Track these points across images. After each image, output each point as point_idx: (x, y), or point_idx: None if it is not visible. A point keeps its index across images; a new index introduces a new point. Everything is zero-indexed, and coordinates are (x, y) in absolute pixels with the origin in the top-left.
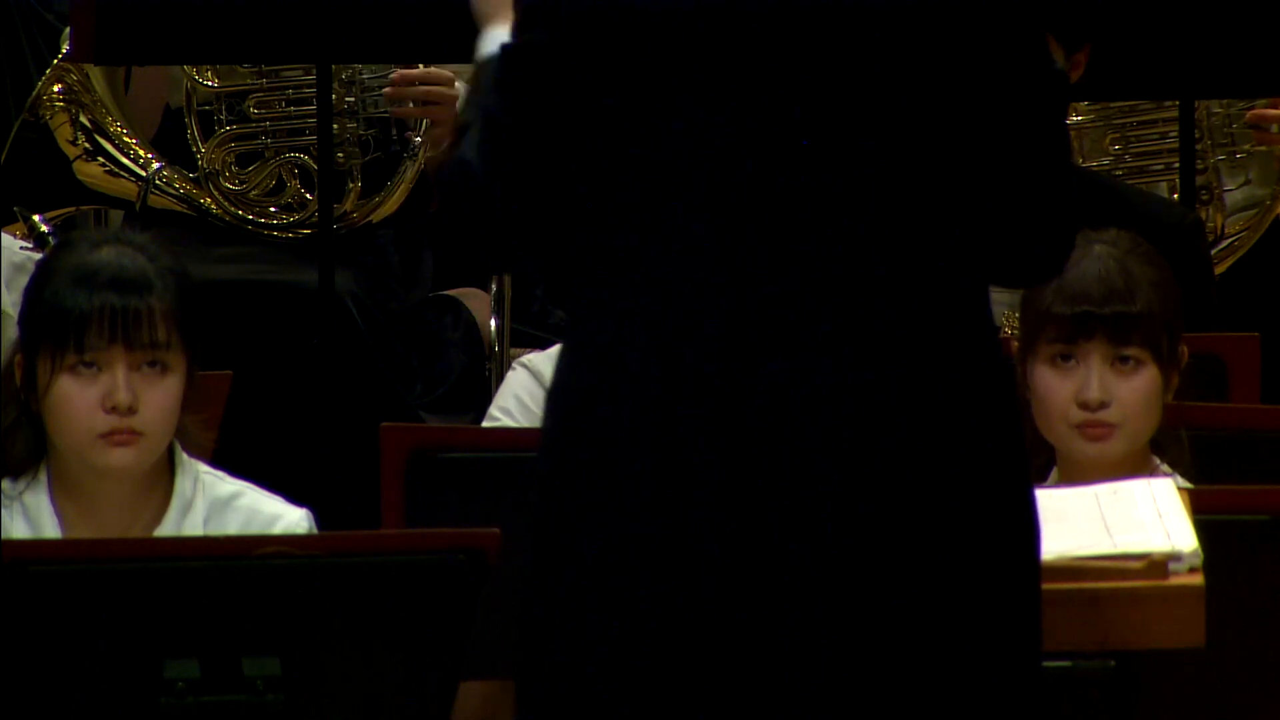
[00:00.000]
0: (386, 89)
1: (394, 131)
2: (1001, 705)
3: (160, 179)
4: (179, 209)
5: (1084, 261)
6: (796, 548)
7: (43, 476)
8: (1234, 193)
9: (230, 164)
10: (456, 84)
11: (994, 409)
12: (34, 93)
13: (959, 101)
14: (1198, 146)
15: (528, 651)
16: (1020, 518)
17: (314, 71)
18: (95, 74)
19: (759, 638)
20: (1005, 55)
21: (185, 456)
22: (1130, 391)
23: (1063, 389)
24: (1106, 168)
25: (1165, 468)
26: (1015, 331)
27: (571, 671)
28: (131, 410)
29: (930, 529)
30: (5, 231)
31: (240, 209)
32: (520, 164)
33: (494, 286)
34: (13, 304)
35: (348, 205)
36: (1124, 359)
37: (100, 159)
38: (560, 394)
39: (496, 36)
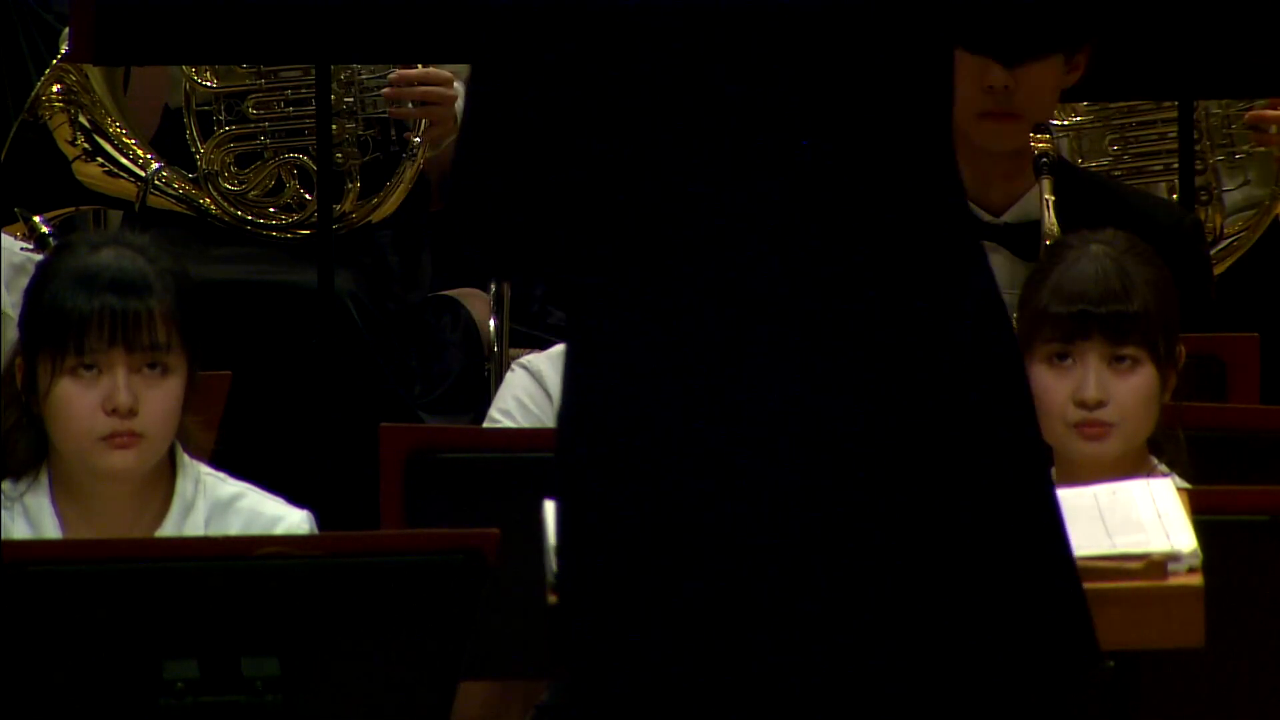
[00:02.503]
0: (385, 89)
1: (393, 132)
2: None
3: (159, 179)
4: (178, 209)
5: (1081, 261)
6: (807, 541)
7: (44, 478)
8: (1233, 193)
9: (229, 164)
10: (455, 84)
11: (1005, 399)
12: (33, 93)
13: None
14: (1197, 147)
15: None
16: (1043, 508)
17: (313, 72)
18: (94, 74)
19: (772, 632)
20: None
21: (186, 458)
22: (1127, 391)
23: (1060, 388)
24: (1106, 168)
25: (1163, 468)
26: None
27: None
28: (132, 412)
29: (945, 521)
30: (5, 232)
31: (239, 209)
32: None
33: (493, 287)
34: (13, 305)
35: (347, 206)
36: (1121, 358)
37: (99, 159)
38: (576, 394)
39: None
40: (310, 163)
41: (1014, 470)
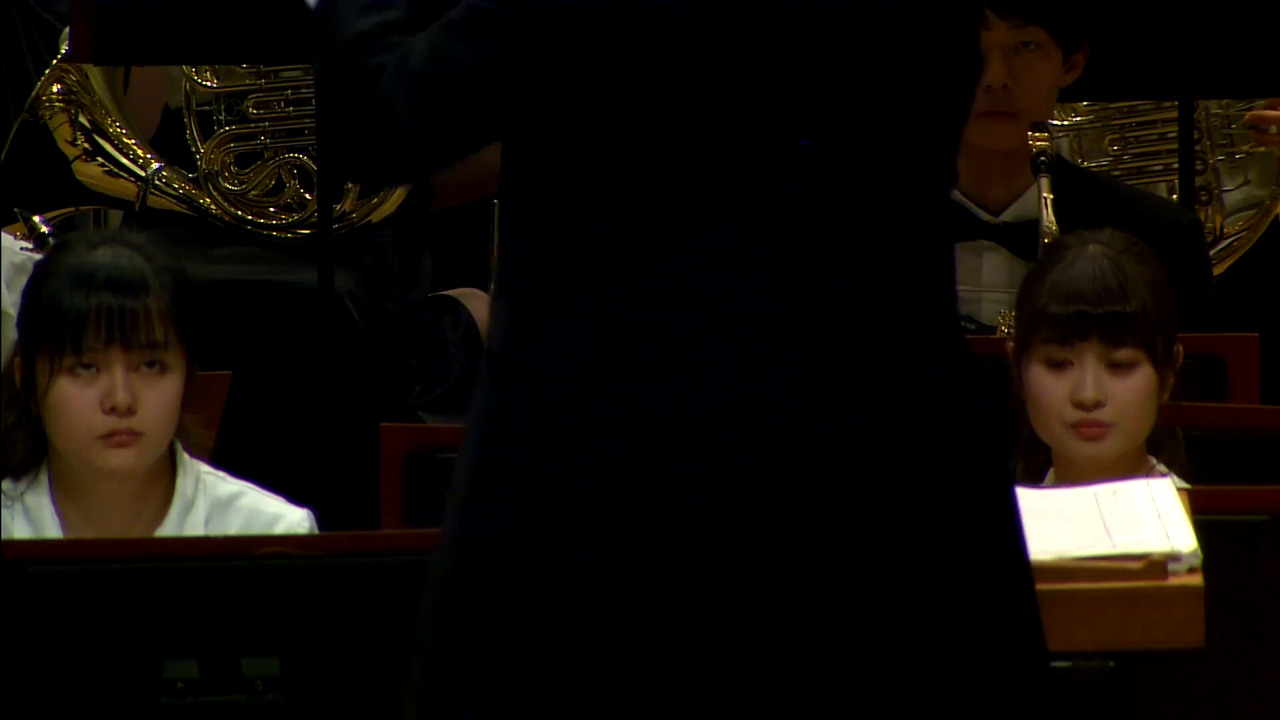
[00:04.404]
0: None
1: None
2: (1010, 707)
3: (159, 179)
4: (178, 209)
5: (1078, 261)
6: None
7: (44, 477)
8: (1233, 193)
9: (229, 164)
10: None
11: (968, 409)
12: (33, 93)
13: (942, 87)
14: (1197, 147)
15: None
16: (1003, 516)
17: (313, 72)
18: (94, 74)
19: (753, 645)
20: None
21: (186, 456)
22: (1125, 391)
23: (1058, 389)
24: (1105, 168)
25: (1161, 467)
26: (1011, 331)
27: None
28: (130, 411)
29: (912, 530)
30: (5, 232)
31: (240, 209)
32: (460, 122)
33: (494, 287)
34: (13, 304)
35: (347, 205)
36: (1119, 359)
37: (99, 159)
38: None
39: None
40: (310, 163)
41: (973, 480)
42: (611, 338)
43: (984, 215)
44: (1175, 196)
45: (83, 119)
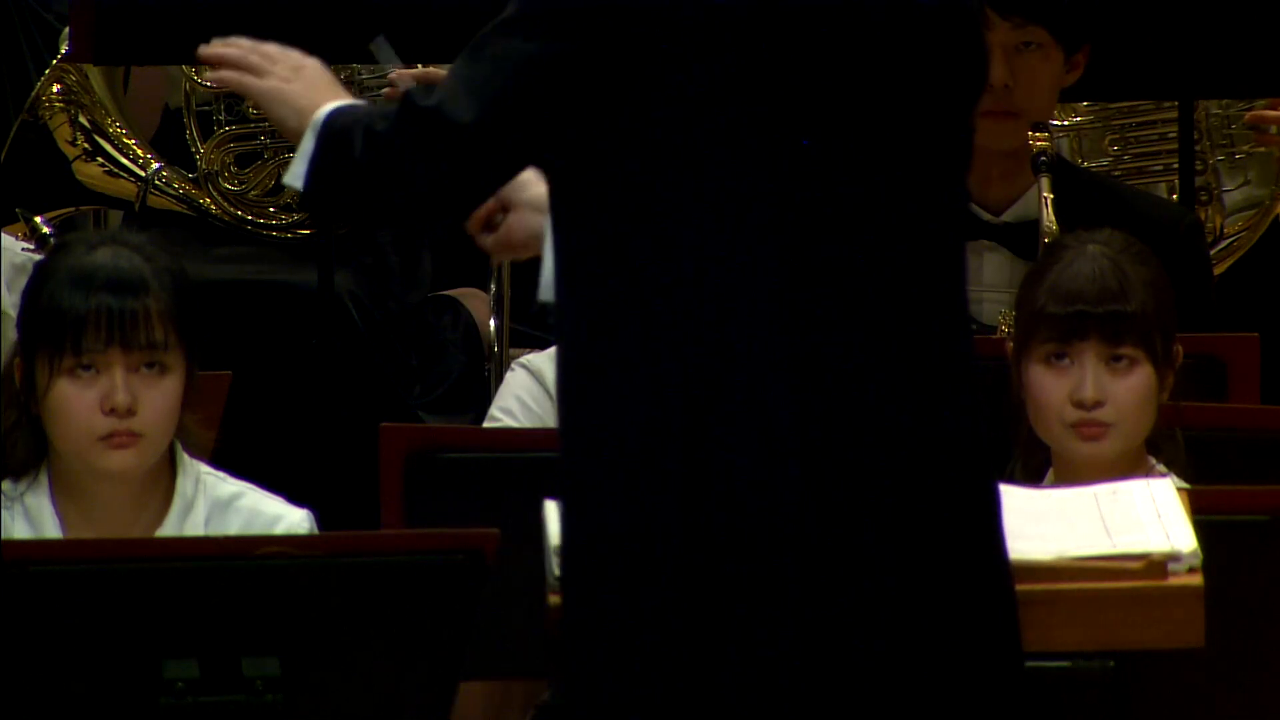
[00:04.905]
0: (386, 89)
1: None
2: (985, 704)
3: (159, 179)
4: (178, 209)
5: (1078, 261)
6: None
7: (44, 478)
8: (1233, 193)
9: (229, 164)
10: None
11: (966, 406)
12: (33, 93)
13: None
14: (1197, 147)
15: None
16: (982, 513)
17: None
18: (94, 74)
19: (764, 633)
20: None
21: (186, 457)
22: (1125, 391)
23: (1057, 389)
24: (1106, 168)
25: (1161, 468)
26: (1011, 331)
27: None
28: (130, 412)
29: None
30: (6, 232)
31: (239, 209)
32: (520, 114)
33: (494, 287)
34: (13, 305)
35: None
36: (1118, 359)
37: (99, 159)
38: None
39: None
40: None
41: (960, 482)
42: (662, 342)
43: (984, 215)
44: (1175, 196)
45: (83, 119)
